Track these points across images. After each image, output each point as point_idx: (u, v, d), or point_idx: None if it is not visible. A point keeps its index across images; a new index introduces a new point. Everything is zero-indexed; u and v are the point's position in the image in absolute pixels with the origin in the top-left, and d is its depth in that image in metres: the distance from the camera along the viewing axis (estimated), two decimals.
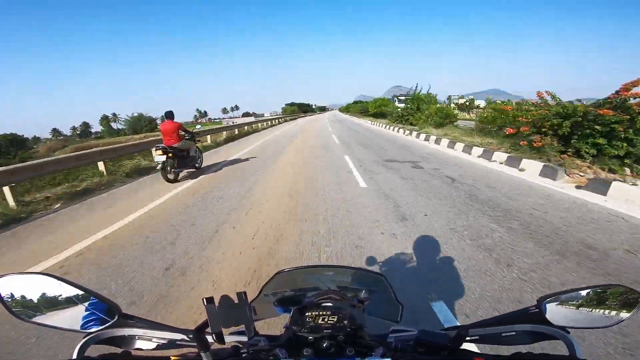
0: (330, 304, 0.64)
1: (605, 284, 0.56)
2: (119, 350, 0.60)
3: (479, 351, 0.60)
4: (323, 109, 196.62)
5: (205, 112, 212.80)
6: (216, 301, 0.56)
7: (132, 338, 0.61)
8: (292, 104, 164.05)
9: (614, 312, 0.55)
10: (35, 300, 0.52)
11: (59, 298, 0.53)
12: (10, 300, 0.51)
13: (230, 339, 0.63)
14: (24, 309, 0.52)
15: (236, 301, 0.57)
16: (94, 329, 0.56)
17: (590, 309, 0.56)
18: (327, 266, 0.74)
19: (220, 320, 0.55)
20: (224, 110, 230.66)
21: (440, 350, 0.60)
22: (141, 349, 0.61)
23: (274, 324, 1.78)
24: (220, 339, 0.56)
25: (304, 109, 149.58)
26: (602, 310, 0.55)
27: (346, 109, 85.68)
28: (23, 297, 0.52)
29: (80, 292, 0.55)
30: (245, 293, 0.57)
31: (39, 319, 0.53)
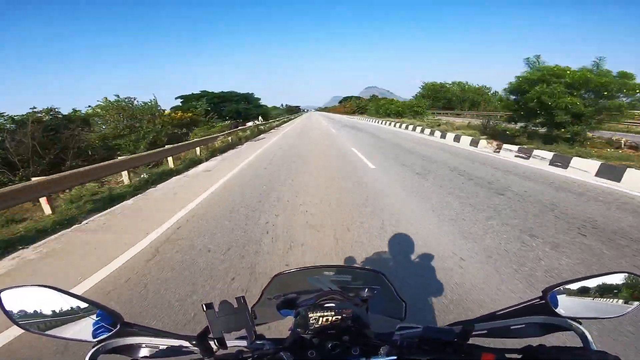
0: (332, 305, 0.63)
1: (609, 272, 0.55)
2: (126, 359, 0.61)
3: (487, 346, 0.59)
4: (294, 111, 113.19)
5: None
6: (216, 306, 0.57)
7: (138, 346, 0.62)
8: (188, 97, 38.01)
9: (623, 301, 0.54)
10: (38, 312, 0.53)
11: (61, 309, 0.54)
12: (14, 312, 0.52)
13: (235, 344, 0.63)
14: (28, 321, 0.53)
15: (236, 306, 0.58)
16: (98, 338, 0.56)
17: (599, 299, 0.55)
18: (326, 266, 0.74)
19: (220, 325, 0.56)
20: None
21: (447, 347, 0.59)
22: (147, 357, 0.62)
23: (280, 327, 1.75)
24: (222, 344, 0.57)
25: (232, 111, 39.69)
26: (611, 300, 0.54)
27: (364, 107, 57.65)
28: (26, 309, 0.53)
29: (81, 303, 0.55)
30: (244, 297, 0.58)
31: (43, 330, 0.54)
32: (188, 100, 36.24)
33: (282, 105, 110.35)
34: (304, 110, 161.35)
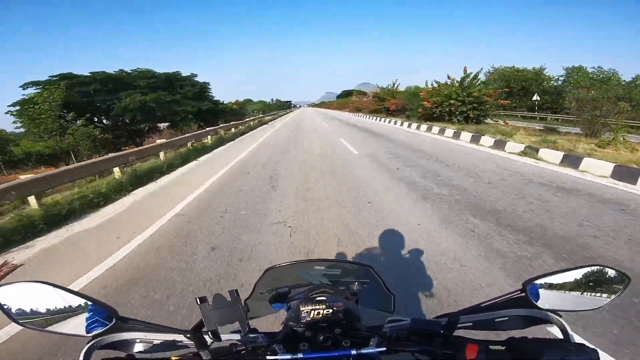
0: (324, 298, 0.65)
1: (587, 264, 0.57)
2: (122, 354, 0.61)
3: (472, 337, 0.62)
4: (283, 107, 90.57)
5: None
6: (210, 300, 0.58)
7: (133, 341, 0.62)
8: (48, 83, 17.34)
9: (601, 294, 0.56)
10: (34, 308, 0.54)
11: (56, 305, 0.54)
12: (10, 308, 0.53)
13: (229, 337, 0.64)
14: (24, 317, 0.53)
15: (229, 299, 0.59)
16: (94, 333, 0.57)
17: (577, 292, 0.57)
18: (317, 260, 0.77)
19: (214, 318, 0.57)
20: None
21: (434, 338, 0.61)
22: (142, 352, 0.63)
23: (274, 321, 1.80)
24: (216, 336, 0.58)
25: None
26: (589, 293, 0.56)
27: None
28: (21, 305, 0.53)
29: (77, 298, 0.56)
30: (237, 291, 0.59)
31: (40, 325, 0.54)
32: (48, 87, 18.45)
33: (272, 100, 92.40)
34: (295, 106, 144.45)
